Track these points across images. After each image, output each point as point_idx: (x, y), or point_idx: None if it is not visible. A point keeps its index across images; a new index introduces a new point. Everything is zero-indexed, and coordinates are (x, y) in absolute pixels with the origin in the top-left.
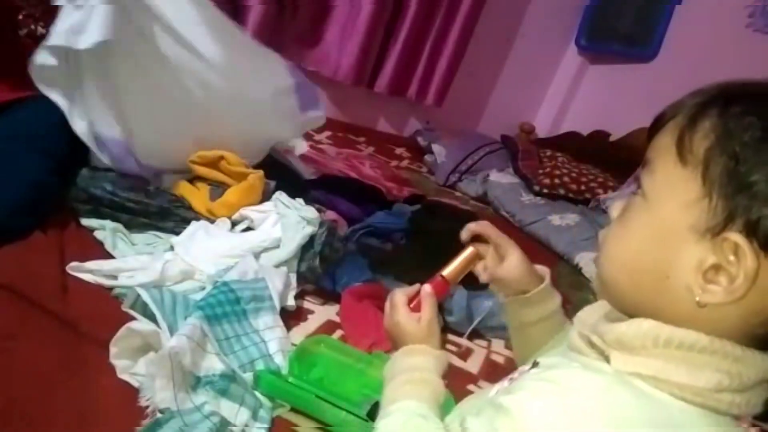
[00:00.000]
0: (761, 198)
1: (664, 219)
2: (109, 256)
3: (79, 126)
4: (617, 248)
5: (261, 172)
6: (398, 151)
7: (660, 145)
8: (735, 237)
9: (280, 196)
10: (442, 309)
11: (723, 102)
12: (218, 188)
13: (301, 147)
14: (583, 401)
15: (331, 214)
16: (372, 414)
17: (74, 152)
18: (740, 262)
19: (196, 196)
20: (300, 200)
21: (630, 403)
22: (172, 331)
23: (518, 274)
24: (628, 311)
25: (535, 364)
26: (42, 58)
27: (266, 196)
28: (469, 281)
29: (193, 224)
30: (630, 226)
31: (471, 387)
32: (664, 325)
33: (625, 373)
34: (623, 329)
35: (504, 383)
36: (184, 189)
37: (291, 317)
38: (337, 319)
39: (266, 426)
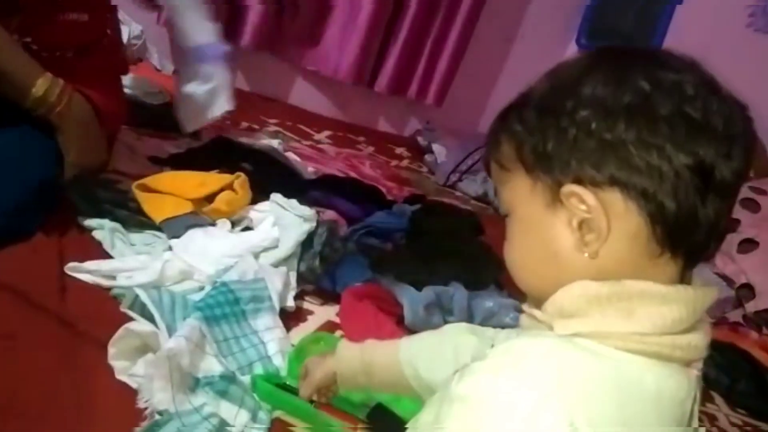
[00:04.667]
0: (562, 154)
1: (524, 216)
2: (108, 256)
3: None
4: (513, 263)
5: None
6: (398, 151)
7: (492, 171)
8: (569, 188)
9: (276, 197)
10: None
11: (502, 117)
12: None
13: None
14: (534, 364)
15: (331, 214)
16: (372, 416)
17: None
18: (586, 204)
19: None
20: (294, 201)
21: (576, 356)
22: (170, 331)
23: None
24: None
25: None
26: None
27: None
28: (469, 281)
29: None
30: (511, 241)
31: None
32: (591, 282)
33: (567, 335)
34: (558, 297)
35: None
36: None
37: (291, 317)
38: (337, 319)
39: (265, 427)
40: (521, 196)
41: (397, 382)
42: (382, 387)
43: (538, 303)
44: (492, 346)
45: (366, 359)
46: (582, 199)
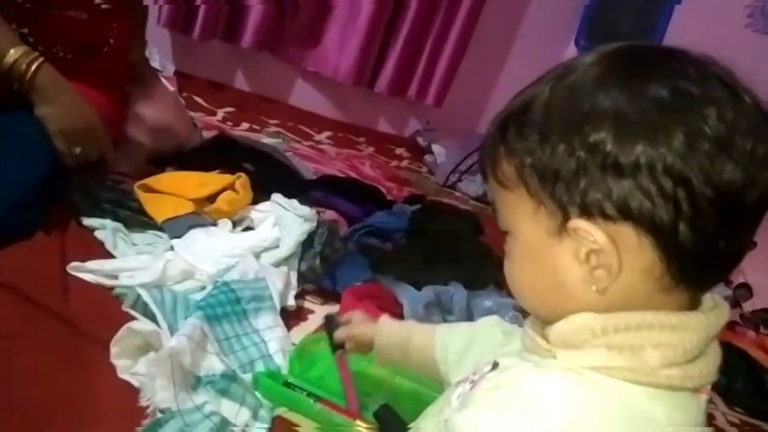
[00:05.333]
0: (570, 179)
1: (527, 240)
2: (110, 256)
3: None
4: (515, 284)
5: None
6: (398, 151)
7: (490, 186)
8: (576, 223)
9: (277, 197)
10: None
11: (500, 129)
12: None
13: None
14: (540, 401)
15: (331, 214)
16: (378, 415)
17: None
18: (596, 240)
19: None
20: (295, 201)
21: (583, 392)
22: (172, 330)
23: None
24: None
25: (494, 366)
26: None
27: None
28: (469, 280)
29: None
30: (513, 261)
31: None
32: (596, 315)
33: (574, 368)
34: (561, 328)
35: (466, 386)
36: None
37: (291, 317)
38: None
39: (266, 426)
40: (523, 218)
41: (428, 364)
42: (414, 366)
43: (541, 321)
44: (496, 364)
45: (404, 336)
46: (590, 233)
